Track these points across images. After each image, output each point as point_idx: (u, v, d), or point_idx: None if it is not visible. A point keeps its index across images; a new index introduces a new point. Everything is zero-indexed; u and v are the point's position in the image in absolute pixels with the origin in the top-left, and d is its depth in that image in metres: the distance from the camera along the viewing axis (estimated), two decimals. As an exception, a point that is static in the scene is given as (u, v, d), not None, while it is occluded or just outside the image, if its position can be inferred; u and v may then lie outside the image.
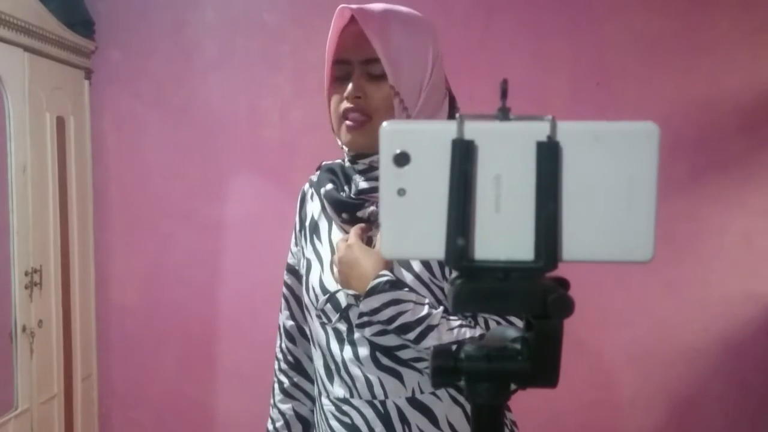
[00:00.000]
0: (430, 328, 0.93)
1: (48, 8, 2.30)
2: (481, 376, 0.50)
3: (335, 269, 1.01)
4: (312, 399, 1.19)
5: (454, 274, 0.49)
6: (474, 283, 0.47)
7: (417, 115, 0.99)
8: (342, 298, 1.03)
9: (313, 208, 1.15)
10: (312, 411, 1.19)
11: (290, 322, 1.20)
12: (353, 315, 1.01)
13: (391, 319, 0.94)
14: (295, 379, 1.20)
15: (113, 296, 2.71)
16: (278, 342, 1.22)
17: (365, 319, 0.97)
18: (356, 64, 1.00)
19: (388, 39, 0.96)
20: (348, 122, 1.01)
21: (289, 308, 1.21)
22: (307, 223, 1.15)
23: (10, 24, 2.09)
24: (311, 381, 1.19)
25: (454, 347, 0.52)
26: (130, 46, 2.65)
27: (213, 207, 2.65)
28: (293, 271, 1.20)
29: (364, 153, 1.02)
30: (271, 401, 1.21)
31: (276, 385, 1.21)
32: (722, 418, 2.52)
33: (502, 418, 0.53)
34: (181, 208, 2.66)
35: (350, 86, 1.00)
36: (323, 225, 1.12)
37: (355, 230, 1.02)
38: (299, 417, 1.19)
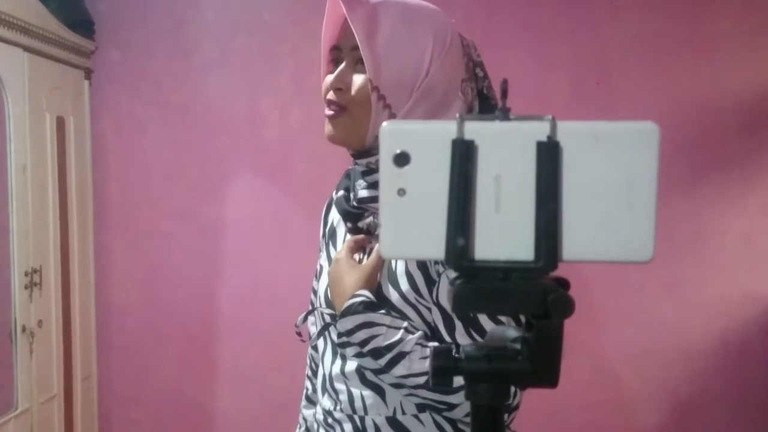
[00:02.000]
0: (401, 356, 0.89)
1: (48, 8, 2.30)
2: (481, 376, 0.50)
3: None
4: None
5: (454, 274, 0.48)
6: (474, 283, 0.47)
7: (407, 115, 0.93)
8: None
9: (335, 214, 1.11)
10: None
11: (314, 329, 1.18)
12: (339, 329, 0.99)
13: (364, 342, 0.91)
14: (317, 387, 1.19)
15: (113, 296, 2.71)
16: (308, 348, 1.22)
17: (343, 339, 0.94)
18: (346, 51, 0.96)
19: (374, 30, 0.91)
20: (327, 111, 0.98)
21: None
22: (327, 230, 1.13)
23: (10, 24, 2.09)
24: None
25: (453, 349, 0.52)
26: (130, 46, 2.65)
27: (213, 207, 2.65)
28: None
29: (361, 152, 0.99)
30: (300, 405, 1.22)
31: (304, 390, 1.21)
32: (722, 418, 2.52)
33: (502, 418, 0.53)
34: (181, 208, 2.66)
35: (333, 75, 0.96)
36: (340, 232, 1.09)
37: (348, 243, 0.99)
38: None
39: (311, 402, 1.19)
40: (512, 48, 2.50)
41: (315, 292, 1.18)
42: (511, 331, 0.53)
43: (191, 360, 2.69)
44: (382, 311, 0.92)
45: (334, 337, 1.01)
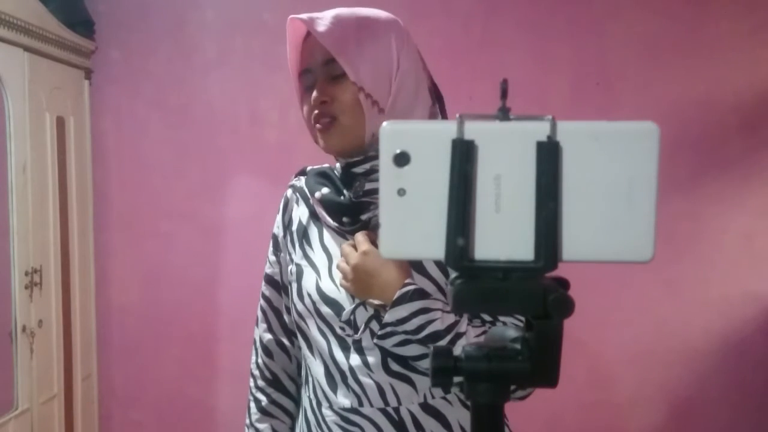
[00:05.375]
0: (459, 336, 0.91)
1: (48, 8, 2.30)
2: (481, 376, 0.50)
3: (349, 276, 0.96)
4: (291, 416, 1.15)
5: (454, 274, 0.48)
6: (474, 283, 0.47)
7: (392, 106, 0.97)
8: (346, 305, 1.00)
9: (300, 213, 1.11)
10: (291, 429, 1.15)
11: (268, 336, 1.17)
12: (360, 323, 0.99)
13: (420, 328, 0.91)
14: (274, 396, 1.15)
15: (113, 296, 2.71)
16: (254, 357, 1.17)
17: (389, 329, 0.93)
18: (317, 69, 1.00)
19: (341, 37, 0.95)
20: (318, 126, 1.00)
21: (267, 321, 1.17)
22: (294, 229, 1.11)
23: (10, 24, 2.09)
24: (290, 397, 1.16)
25: (453, 347, 0.52)
26: (130, 46, 2.65)
27: (213, 207, 2.65)
28: (273, 282, 1.16)
29: (359, 158, 1.00)
30: (247, 421, 1.16)
31: (252, 404, 1.16)
32: (722, 418, 2.52)
33: (502, 418, 0.53)
34: (182, 208, 2.66)
35: (315, 93, 0.99)
36: (313, 231, 1.08)
37: (363, 236, 0.98)
38: None
39: (268, 414, 1.15)
40: (512, 48, 2.50)
41: (266, 298, 1.16)
42: (511, 331, 0.53)
43: (191, 360, 2.69)
44: (432, 297, 0.94)
45: (339, 331, 1.01)
